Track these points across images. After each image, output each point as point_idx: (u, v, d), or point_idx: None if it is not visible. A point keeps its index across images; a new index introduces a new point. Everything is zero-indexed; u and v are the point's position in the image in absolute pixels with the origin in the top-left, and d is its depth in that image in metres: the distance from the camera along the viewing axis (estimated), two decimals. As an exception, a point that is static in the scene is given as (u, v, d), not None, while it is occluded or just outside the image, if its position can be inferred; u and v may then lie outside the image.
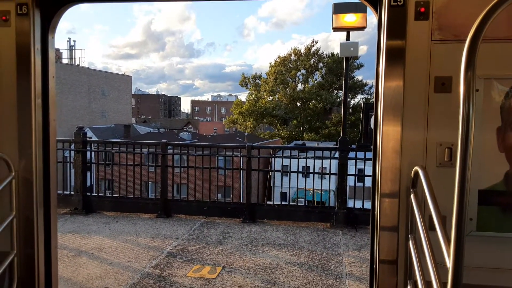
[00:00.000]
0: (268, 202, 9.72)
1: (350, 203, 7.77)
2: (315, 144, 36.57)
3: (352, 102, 49.96)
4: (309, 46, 51.24)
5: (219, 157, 8.36)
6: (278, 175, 9.11)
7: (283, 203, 8.18)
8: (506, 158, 2.59)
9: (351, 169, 7.82)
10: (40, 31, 3.28)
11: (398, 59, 2.72)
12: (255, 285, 4.87)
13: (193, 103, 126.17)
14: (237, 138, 44.42)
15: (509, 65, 2.61)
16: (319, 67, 50.98)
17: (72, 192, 8.39)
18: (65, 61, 51.58)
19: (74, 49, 53.50)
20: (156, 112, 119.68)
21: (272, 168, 9.48)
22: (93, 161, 8.97)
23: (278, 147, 19.09)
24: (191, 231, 7.03)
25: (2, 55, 3.19)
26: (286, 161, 8.09)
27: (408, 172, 2.70)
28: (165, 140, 8.29)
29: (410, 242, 2.65)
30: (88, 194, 8.33)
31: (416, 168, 2.52)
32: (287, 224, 7.50)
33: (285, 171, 8.22)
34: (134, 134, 50.43)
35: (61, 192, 8.43)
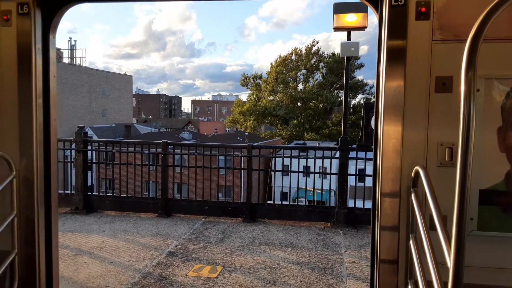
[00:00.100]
0: (268, 202, 9.74)
1: (350, 203, 7.77)
2: (315, 144, 36.61)
3: (353, 102, 49.98)
4: (309, 46, 51.25)
5: (220, 157, 8.37)
6: (278, 174, 9.11)
7: (283, 202, 8.17)
8: (506, 158, 2.59)
9: (351, 169, 7.81)
10: (41, 30, 3.28)
11: (399, 59, 2.72)
12: (256, 284, 4.88)
13: (194, 102, 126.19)
14: (238, 138, 44.40)
15: (510, 65, 2.61)
16: (320, 67, 50.95)
17: (73, 192, 8.40)
18: (66, 60, 51.59)
19: (75, 49, 53.50)
20: (156, 112, 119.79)
21: (273, 168, 9.48)
22: (94, 160, 8.97)
23: (278, 147, 19.07)
24: (191, 230, 7.03)
25: (3, 54, 3.19)
26: (287, 161, 8.09)
27: (408, 172, 2.70)
28: (165, 140, 8.30)
29: (411, 241, 2.65)
30: (89, 193, 8.34)
31: (417, 168, 2.52)
32: (288, 224, 7.51)
33: (286, 171, 8.22)
34: (134, 133, 50.44)
35: (62, 191, 8.45)
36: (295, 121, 51.27)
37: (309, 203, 8.76)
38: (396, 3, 2.69)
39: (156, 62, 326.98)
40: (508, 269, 2.64)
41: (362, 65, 49.99)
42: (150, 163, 8.63)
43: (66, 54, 52.52)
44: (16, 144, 3.23)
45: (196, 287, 4.77)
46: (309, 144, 37.95)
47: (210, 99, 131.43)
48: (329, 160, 7.83)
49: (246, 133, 48.44)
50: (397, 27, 2.72)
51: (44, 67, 3.33)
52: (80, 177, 8.20)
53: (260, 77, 53.73)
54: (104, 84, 54.12)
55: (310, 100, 49.38)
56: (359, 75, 58.60)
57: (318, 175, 8.17)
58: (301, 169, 7.84)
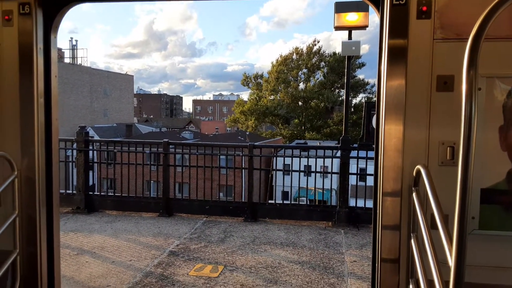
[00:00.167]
0: (269, 201, 9.73)
1: (352, 202, 7.76)
2: (316, 143, 36.65)
3: (354, 101, 49.95)
4: (311, 45, 51.28)
5: (221, 156, 8.37)
6: (279, 174, 9.10)
7: (284, 202, 8.16)
8: (508, 157, 2.59)
9: (352, 168, 7.80)
10: (42, 30, 3.29)
11: (400, 58, 2.72)
12: (257, 283, 4.88)
13: (195, 102, 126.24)
14: (239, 137, 44.37)
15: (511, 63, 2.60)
16: (321, 66, 50.95)
17: (74, 191, 8.41)
18: (67, 60, 51.69)
19: (76, 49, 53.62)
20: (158, 112, 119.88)
21: (274, 167, 9.47)
22: (95, 160, 8.97)
23: (279, 146, 19.02)
24: (193, 230, 7.04)
25: (4, 54, 3.20)
26: (288, 160, 8.10)
27: (410, 170, 2.70)
28: (167, 139, 8.30)
29: (412, 240, 2.65)
30: (90, 193, 8.36)
31: (418, 166, 2.52)
32: (289, 223, 7.51)
33: (287, 170, 8.22)
34: (136, 133, 50.48)
35: (63, 191, 8.46)
36: (296, 120, 51.26)
37: (310, 203, 8.75)
38: (397, 2, 2.69)
39: (157, 61, 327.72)
40: (510, 268, 2.64)
41: (363, 64, 50.05)
42: (151, 163, 8.63)
43: (67, 54, 52.70)
44: (18, 144, 3.24)
45: (197, 286, 4.77)
46: (310, 143, 37.97)
47: (211, 98, 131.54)
48: (330, 159, 7.83)
49: (247, 133, 48.43)
50: (398, 26, 2.71)
51: (45, 67, 3.33)
52: (81, 176, 8.21)
53: (261, 76, 53.79)
54: (105, 84, 54.20)
55: (311, 100, 49.39)
56: (360, 74, 58.77)
57: (319, 174, 8.16)
58: (302, 169, 7.84)
